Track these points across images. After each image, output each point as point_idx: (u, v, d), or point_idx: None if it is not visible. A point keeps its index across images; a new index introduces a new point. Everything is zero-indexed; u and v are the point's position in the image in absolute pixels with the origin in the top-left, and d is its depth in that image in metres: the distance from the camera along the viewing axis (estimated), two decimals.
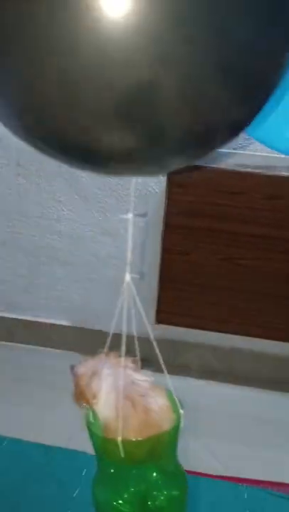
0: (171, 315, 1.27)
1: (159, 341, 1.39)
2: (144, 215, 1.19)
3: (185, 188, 1.13)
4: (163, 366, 0.86)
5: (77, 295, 1.36)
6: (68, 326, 1.39)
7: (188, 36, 0.34)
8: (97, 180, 1.22)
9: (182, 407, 0.82)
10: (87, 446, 1.07)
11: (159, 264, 1.22)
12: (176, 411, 0.79)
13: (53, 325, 1.41)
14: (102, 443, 0.78)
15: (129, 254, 0.69)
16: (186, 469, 1.03)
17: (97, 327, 1.33)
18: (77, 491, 0.94)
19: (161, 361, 0.88)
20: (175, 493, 0.81)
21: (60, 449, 1.03)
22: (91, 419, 0.79)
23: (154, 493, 0.81)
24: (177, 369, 1.36)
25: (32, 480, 0.96)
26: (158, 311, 1.26)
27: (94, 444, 0.81)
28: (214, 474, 1.02)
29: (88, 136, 0.39)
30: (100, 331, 1.27)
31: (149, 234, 1.25)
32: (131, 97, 0.35)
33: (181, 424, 0.80)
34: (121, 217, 0.75)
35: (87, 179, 1.20)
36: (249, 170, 1.07)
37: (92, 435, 0.79)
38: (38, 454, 1.01)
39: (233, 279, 1.21)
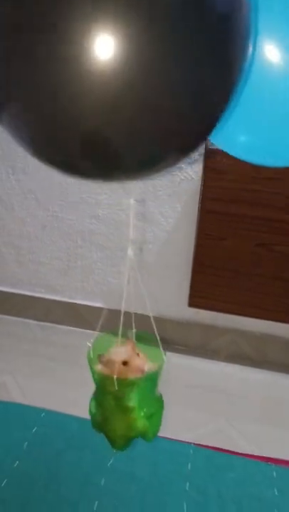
0: (205, 299, 1.31)
1: (192, 325, 1.45)
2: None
3: (221, 174, 1.16)
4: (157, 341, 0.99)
5: (112, 278, 1.42)
6: (103, 308, 1.45)
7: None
8: None
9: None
10: None
11: (194, 249, 1.26)
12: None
13: (89, 307, 1.47)
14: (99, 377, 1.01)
15: (131, 231, 0.81)
16: (216, 447, 1.08)
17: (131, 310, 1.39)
18: (111, 461, 1.00)
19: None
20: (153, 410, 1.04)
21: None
22: (91, 355, 1.04)
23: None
24: (209, 353, 1.41)
25: (68, 449, 1.02)
26: (191, 295, 1.31)
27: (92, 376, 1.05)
28: (243, 453, 1.06)
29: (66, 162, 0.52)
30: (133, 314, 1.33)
31: (184, 219, 1.29)
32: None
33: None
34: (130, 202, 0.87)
35: None
36: None
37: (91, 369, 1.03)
38: (73, 426, 1.08)
39: (267, 266, 1.24)
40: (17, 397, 1.20)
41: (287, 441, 1.11)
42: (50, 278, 1.49)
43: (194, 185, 1.25)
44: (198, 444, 1.07)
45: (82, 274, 1.47)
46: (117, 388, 1.00)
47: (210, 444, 1.09)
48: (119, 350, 1.00)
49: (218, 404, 1.24)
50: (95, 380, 1.10)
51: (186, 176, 1.24)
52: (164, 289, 1.39)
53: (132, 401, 1.03)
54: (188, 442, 1.08)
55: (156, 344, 1.03)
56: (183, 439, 1.09)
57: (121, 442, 1.10)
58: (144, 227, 1.32)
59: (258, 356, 1.38)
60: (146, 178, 0.56)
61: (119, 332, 1.04)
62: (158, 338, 1.00)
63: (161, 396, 1.16)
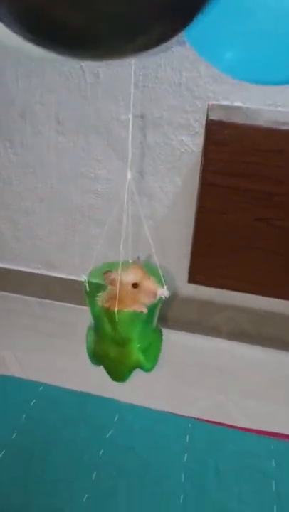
0: (204, 275, 1.31)
1: (191, 301, 1.44)
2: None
3: (222, 146, 1.14)
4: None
5: (111, 253, 1.41)
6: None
7: None
8: (135, 140, 1.25)
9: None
10: (119, 395, 1.13)
11: (194, 224, 1.25)
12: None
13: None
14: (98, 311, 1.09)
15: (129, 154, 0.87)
16: (216, 422, 1.08)
17: None
18: (109, 433, 1.00)
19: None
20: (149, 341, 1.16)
21: (91, 395, 1.10)
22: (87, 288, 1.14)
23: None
24: (208, 329, 1.40)
25: (67, 421, 1.03)
26: (191, 271, 1.30)
27: (92, 310, 1.14)
28: (242, 427, 1.07)
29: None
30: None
31: (184, 193, 1.28)
32: None
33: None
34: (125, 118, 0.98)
35: (125, 140, 1.24)
36: (287, 128, 1.08)
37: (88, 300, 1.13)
38: (72, 399, 1.08)
39: (267, 241, 1.23)
40: (16, 371, 1.20)
41: (285, 416, 1.12)
42: (48, 254, 1.49)
43: (195, 158, 1.23)
44: (198, 418, 1.08)
45: (81, 250, 1.46)
46: (117, 321, 1.03)
47: (209, 419, 1.09)
48: (129, 271, 1.05)
49: (218, 380, 1.24)
50: (92, 312, 1.14)
51: (187, 148, 1.23)
52: (164, 264, 1.38)
53: (130, 333, 1.08)
54: (187, 416, 1.08)
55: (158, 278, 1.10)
56: (182, 414, 1.09)
57: (119, 374, 1.18)
58: (143, 201, 1.31)
59: (257, 333, 1.38)
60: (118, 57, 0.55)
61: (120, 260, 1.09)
62: (160, 272, 1.10)
63: (159, 328, 1.29)
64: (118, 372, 1.16)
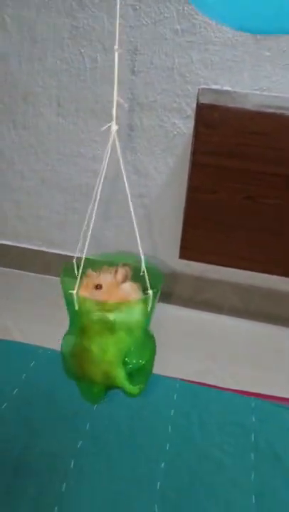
0: (195, 251, 1.40)
1: (182, 276, 1.53)
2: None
3: (212, 128, 1.23)
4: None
5: (109, 232, 1.51)
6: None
7: None
8: (130, 123, 1.34)
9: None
10: None
11: (185, 202, 1.34)
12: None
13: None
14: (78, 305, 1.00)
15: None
16: (202, 383, 1.17)
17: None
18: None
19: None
20: (142, 361, 1.03)
21: None
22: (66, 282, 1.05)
23: (126, 359, 1.01)
24: (199, 304, 1.50)
25: (64, 379, 1.12)
26: (182, 247, 1.39)
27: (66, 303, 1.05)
28: (227, 388, 1.16)
29: None
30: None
31: (176, 174, 1.37)
32: None
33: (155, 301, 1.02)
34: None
35: (122, 122, 1.32)
36: (273, 111, 1.17)
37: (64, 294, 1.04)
38: None
39: (256, 218, 1.32)
40: (18, 337, 1.30)
41: (267, 380, 1.21)
42: (49, 232, 1.58)
43: (186, 139, 1.32)
44: (186, 380, 1.17)
45: (80, 228, 1.55)
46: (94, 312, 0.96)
47: (196, 381, 1.19)
48: (108, 273, 1.02)
49: (207, 349, 1.34)
50: (68, 308, 1.05)
51: (179, 131, 1.32)
52: (156, 242, 1.48)
53: (111, 341, 0.97)
54: (175, 378, 1.18)
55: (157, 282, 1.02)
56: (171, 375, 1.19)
57: (95, 392, 1.06)
58: (138, 181, 1.40)
59: (245, 307, 1.47)
60: None
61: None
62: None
63: (151, 346, 1.08)
64: (93, 390, 1.07)
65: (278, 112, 1.17)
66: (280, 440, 1.02)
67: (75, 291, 0.98)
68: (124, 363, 1.00)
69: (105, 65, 1.28)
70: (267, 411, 1.09)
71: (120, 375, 1.00)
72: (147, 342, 1.07)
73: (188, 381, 1.17)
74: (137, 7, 1.18)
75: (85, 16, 1.23)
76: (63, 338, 1.09)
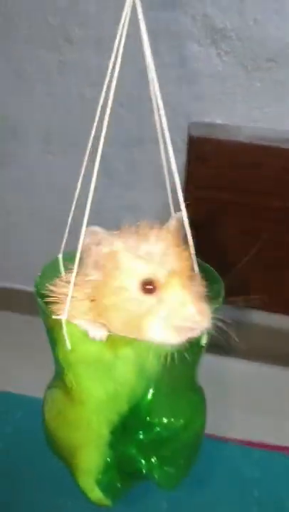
0: None
1: None
2: None
3: (204, 161, 1.21)
4: None
5: None
6: None
7: None
8: (122, 157, 1.31)
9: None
10: None
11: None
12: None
13: None
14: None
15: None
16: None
17: None
18: None
19: None
20: (180, 422, 0.55)
21: None
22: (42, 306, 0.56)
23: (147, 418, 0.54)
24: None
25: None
26: None
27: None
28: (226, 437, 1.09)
29: None
30: None
31: (168, 206, 1.33)
32: None
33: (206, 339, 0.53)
34: None
35: (111, 157, 1.30)
36: (266, 143, 1.15)
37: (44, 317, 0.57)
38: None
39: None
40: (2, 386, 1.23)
41: (269, 427, 1.15)
42: (35, 270, 1.53)
43: (180, 174, 1.29)
44: None
45: None
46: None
47: None
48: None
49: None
50: (51, 344, 0.59)
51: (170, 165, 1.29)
52: None
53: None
54: None
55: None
56: None
57: (93, 484, 0.60)
58: (129, 215, 1.36)
59: (235, 345, 1.41)
60: None
61: None
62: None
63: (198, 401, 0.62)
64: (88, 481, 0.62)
65: (272, 144, 1.15)
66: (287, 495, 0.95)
67: (62, 315, 0.50)
68: (145, 425, 0.56)
69: (93, 99, 1.26)
70: (272, 463, 1.02)
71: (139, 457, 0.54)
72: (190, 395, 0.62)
73: None
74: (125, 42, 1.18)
75: (72, 50, 1.23)
76: (45, 396, 0.69)
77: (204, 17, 1.13)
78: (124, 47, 0.64)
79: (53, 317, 0.52)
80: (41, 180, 1.40)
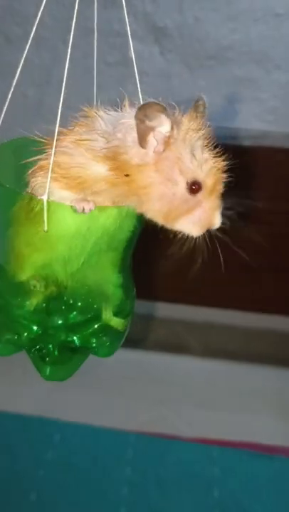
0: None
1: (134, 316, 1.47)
2: None
3: None
4: None
5: None
6: None
7: None
8: None
9: None
10: (59, 414, 1.14)
11: None
12: None
13: None
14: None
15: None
16: (158, 433, 1.10)
17: None
18: (50, 453, 1.01)
19: None
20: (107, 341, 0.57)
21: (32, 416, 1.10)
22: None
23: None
24: (149, 344, 1.44)
25: (7, 445, 1.03)
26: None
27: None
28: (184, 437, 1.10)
29: None
30: None
31: None
32: None
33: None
34: None
35: None
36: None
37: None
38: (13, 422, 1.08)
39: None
40: None
41: (224, 422, 1.16)
42: None
43: None
44: (139, 431, 1.10)
45: None
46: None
47: (152, 431, 1.12)
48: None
49: (160, 393, 1.27)
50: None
51: None
52: None
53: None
54: (129, 431, 1.10)
55: None
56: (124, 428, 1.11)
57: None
58: None
59: (201, 346, 1.43)
60: None
61: None
62: None
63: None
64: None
65: (217, 142, 1.16)
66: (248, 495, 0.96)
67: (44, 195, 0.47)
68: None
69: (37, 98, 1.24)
70: (232, 460, 1.03)
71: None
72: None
73: (142, 432, 1.10)
74: (66, 39, 1.16)
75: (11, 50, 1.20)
76: None
77: (145, 15, 1.13)
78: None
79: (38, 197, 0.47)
80: None
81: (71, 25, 0.67)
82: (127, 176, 0.46)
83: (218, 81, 1.17)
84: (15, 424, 1.08)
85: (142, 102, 0.50)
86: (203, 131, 0.50)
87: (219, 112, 1.19)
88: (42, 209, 0.46)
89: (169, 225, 0.48)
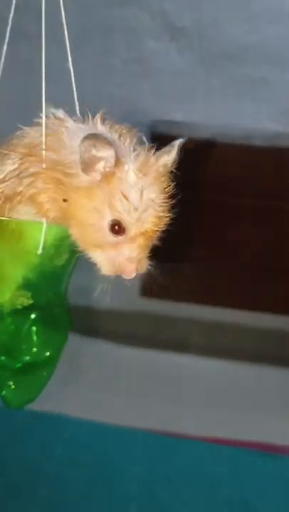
0: (156, 288, 1.35)
1: (142, 315, 1.48)
2: None
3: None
4: None
5: None
6: None
7: None
8: None
9: None
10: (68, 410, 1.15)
11: None
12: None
13: None
14: None
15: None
16: (167, 432, 1.11)
17: None
18: (59, 449, 1.02)
19: None
20: (48, 353, 0.55)
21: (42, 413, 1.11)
22: None
23: (23, 347, 0.53)
24: (159, 343, 1.45)
25: (15, 440, 1.04)
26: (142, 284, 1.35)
27: None
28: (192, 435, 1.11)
29: None
30: None
31: None
32: None
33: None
34: None
35: None
36: (226, 140, 1.17)
37: None
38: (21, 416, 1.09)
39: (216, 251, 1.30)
40: None
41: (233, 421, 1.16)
42: None
43: None
44: (149, 430, 1.11)
45: None
46: None
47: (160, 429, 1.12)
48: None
49: (169, 392, 1.28)
50: None
51: None
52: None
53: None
54: (138, 428, 1.11)
55: None
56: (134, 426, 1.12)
57: None
58: None
59: (205, 344, 1.43)
60: None
61: None
62: None
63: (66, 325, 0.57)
64: None
65: (231, 141, 1.17)
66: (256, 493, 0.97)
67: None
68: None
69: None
70: (239, 460, 1.04)
71: None
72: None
73: (151, 431, 1.11)
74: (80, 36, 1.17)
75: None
76: None
77: (162, 14, 1.13)
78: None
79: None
80: None
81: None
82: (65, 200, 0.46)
83: (232, 81, 1.18)
84: (25, 420, 1.10)
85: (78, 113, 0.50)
86: (157, 177, 0.47)
87: (232, 111, 1.20)
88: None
89: (86, 252, 0.47)
